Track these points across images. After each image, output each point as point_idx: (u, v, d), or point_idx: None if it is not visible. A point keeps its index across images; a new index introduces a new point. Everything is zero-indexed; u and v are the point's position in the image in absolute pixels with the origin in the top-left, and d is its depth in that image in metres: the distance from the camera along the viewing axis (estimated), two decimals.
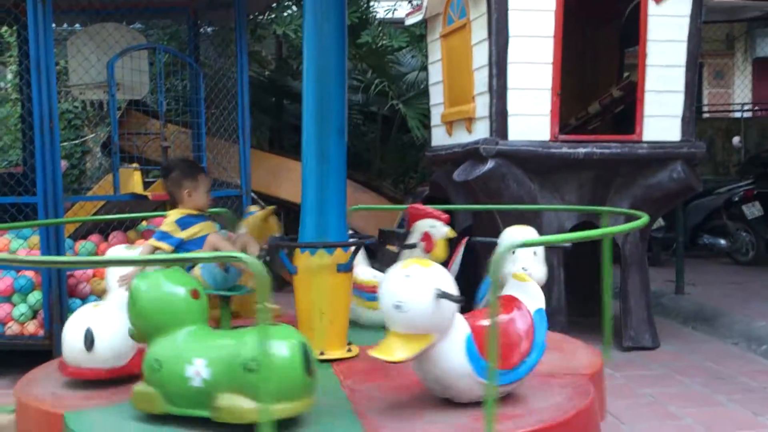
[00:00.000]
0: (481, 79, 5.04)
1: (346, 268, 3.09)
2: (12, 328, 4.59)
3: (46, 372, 2.98)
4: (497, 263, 2.25)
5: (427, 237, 3.51)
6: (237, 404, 2.20)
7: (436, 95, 5.98)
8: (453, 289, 2.31)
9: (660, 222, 8.10)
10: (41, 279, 4.55)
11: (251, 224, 3.70)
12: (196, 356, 2.28)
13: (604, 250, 2.92)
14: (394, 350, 2.28)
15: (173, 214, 3.28)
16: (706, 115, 12.69)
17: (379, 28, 8.45)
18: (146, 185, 5.67)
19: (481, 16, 4.97)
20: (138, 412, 2.39)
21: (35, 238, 4.87)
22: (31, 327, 4.63)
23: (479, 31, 5.03)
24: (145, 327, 2.41)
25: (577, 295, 5.54)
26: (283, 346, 2.21)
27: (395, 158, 9.77)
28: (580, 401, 2.49)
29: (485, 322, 2.34)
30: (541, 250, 3.04)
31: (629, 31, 5.53)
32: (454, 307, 2.33)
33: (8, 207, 4.85)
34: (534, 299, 2.62)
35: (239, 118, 5.88)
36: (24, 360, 3.48)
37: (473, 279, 3.38)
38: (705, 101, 13.23)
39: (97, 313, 2.77)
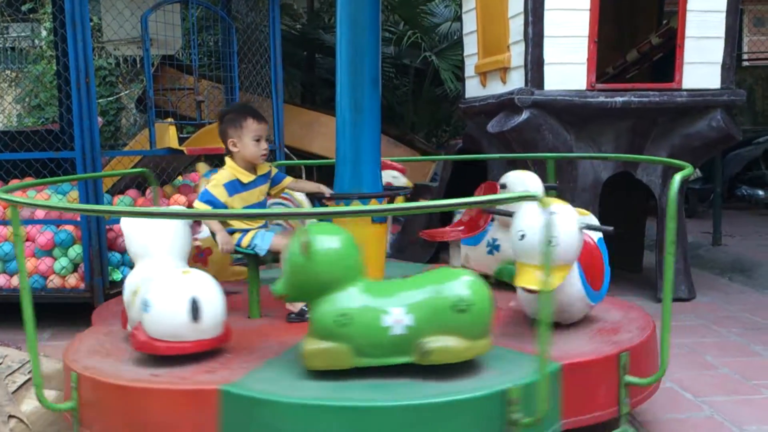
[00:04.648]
0: (516, 28, 4.95)
1: (381, 219, 3.10)
2: (54, 282, 4.67)
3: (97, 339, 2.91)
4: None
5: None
6: (449, 345, 2.29)
7: (470, 45, 5.90)
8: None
9: (697, 173, 7.98)
10: (81, 233, 4.61)
11: None
12: (391, 306, 2.33)
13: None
14: (539, 281, 2.47)
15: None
16: (745, 64, 12.36)
17: None
18: (181, 140, 5.70)
19: None
20: (307, 370, 2.36)
21: (74, 193, 4.93)
22: (72, 280, 4.72)
23: None
24: (315, 284, 2.36)
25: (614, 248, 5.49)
26: (481, 287, 2.37)
27: (428, 112, 9.70)
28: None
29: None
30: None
31: None
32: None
33: (47, 162, 4.91)
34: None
35: (272, 72, 5.87)
36: (65, 313, 3.54)
37: None
38: (745, 49, 12.85)
39: (195, 281, 2.58)
